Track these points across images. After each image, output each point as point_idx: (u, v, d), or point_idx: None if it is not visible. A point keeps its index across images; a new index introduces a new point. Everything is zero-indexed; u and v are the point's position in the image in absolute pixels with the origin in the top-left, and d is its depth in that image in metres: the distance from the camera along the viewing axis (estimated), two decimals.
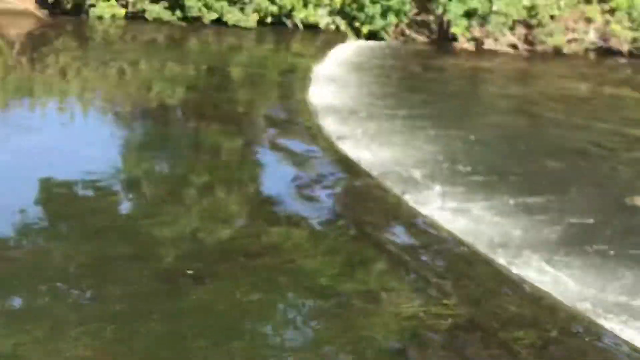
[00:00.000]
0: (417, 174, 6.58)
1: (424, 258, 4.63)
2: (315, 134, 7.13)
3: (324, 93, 9.67)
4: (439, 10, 14.63)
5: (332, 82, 10.49)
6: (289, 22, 14.45)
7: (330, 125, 7.71)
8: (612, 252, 5.15)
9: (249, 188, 5.69)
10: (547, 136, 8.53)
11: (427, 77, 11.55)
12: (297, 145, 6.80)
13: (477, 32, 14.85)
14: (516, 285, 4.37)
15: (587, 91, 11.18)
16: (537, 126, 9.02)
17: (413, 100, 9.69)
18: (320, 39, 13.83)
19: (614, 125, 8.95)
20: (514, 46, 15.08)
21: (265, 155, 6.58)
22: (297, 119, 7.84)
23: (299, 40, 13.57)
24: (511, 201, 5.99)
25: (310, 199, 5.38)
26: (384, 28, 14.64)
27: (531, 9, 14.83)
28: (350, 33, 14.58)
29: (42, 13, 13.68)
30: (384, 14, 14.37)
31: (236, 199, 5.35)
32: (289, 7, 14.07)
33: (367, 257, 4.53)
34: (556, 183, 6.76)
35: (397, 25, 15.16)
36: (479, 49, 14.88)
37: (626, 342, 3.75)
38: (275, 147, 6.79)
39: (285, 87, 9.50)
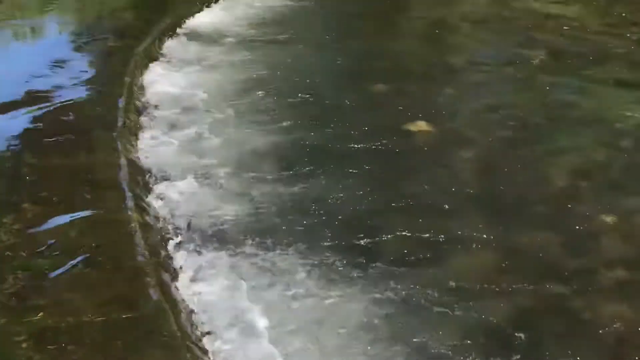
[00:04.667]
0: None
1: None
2: None
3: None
4: None
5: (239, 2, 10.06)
6: None
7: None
8: None
9: None
10: (412, 58, 7.92)
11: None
12: None
13: None
14: None
15: (521, 11, 10.14)
16: (411, 49, 8.36)
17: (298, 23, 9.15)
18: None
19: (488, 47, 8.19)
20: None
21: None
22: None
23: None
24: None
25: None
26: None
27: None
28: None
29: None
30: None
31: None
32: None
33: None
34: (353, 108, 6.28)
35: None
36: None
37: None
38: None
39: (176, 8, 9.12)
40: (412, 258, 4.13)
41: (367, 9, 10.30)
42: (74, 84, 6.10)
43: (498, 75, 7.28)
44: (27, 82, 6.05)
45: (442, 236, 4.35)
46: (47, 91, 5.86)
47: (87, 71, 6.46)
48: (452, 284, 3.92)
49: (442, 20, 9.76)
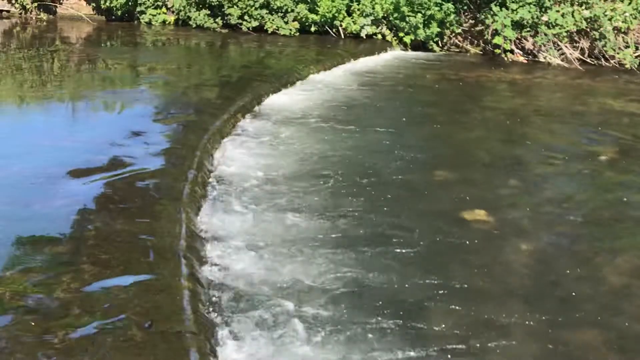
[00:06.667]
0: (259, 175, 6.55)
1: None
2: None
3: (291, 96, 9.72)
4: (489, 20, 13.98)
5: (316, 85, 10.48)
6: (332, 31, 14.46)
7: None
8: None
9: None
10: (479, 147, 8.01)
11: (429, 88, 11.12)
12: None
13: (529, 43, 14.04)
14: None
15: (597, 106, 10.22)
16: (480, 138, 8.45)
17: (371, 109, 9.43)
18: (356, 48, 13.70)
19: (558, 140, 8.22)
20: (578, 59, 14.05)
21: None
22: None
23: (331, 48, 13.51)
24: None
25: None
26: (429, 38, 14.21)
27: (593, 21, 13.74)
28: (394, 43, 14.31)
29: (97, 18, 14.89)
30: (426, 24, 13.98)
31: None
32: (329, 16, 14.07)
33: None
34: (412, 193, 6.38)
35: (450, 36, 14.71)
36: (534, 62, 14.03)
37: None
38: None
39: (255, 88, 9.57)
40: (454, 343, 4.14)
41: (441, 98, 10.54)
42: (149, 154, 6.44)
43: (564, 170, 7.27)
44: (106, 150, 6.44)
45: (486, 323, 4.36)
46: (122, 160, 6.21)
47: (162, 143, 6.82)
48: None
49: (514, 111, 9.87)
